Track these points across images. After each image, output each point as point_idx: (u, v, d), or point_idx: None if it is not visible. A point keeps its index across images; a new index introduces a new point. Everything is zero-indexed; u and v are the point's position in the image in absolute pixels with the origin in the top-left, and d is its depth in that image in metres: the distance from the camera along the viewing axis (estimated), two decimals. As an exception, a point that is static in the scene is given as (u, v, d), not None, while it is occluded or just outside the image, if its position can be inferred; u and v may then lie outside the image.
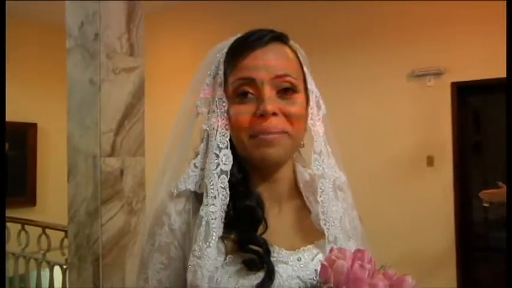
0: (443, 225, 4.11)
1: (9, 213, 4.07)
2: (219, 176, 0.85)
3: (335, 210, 0.91)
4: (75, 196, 2.26)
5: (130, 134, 2.29)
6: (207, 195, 0.84)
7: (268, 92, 0.84)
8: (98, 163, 2.17)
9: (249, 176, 0.89)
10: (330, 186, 0.92)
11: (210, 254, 0.81)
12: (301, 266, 0.85)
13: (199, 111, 0.91)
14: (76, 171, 2.25)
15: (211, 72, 0.92)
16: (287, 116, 0.85)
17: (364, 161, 4.32)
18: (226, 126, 0.87)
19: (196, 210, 0.87)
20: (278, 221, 0.90)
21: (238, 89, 0.86)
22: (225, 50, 0.91)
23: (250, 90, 0.85)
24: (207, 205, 0.83)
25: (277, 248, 0.85)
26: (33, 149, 6.06)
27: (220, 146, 0.86)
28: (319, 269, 0.76)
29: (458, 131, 4.15)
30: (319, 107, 0.94)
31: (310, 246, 0.89)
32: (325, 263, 0.74)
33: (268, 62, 0.86)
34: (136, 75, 2.32)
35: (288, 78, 0.86)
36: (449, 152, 4.14)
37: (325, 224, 0.88)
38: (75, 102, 2.27)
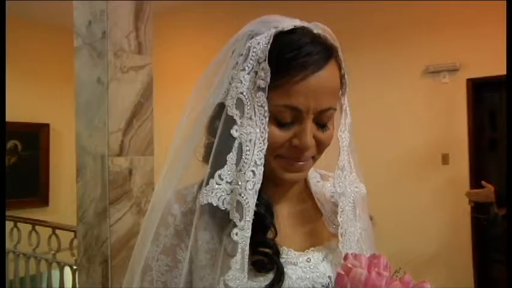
0: (459, 224, 4.07)
1: (21, 213, 4.14)
2: (253, 196, 0.77)
3: (353, 231, 0.88)
4: (83, 196, 2.26)
5: (139, 133, 2.28)
6: (242, 218, 0.76)
7: (310, 124, 0.78)
8: (106, 163, 2.16)
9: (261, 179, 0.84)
10: (351, 204, 0.88)
11: (245, 280, 0.76)
12: (311, 267, 0.83)
13: (230, 113, 0.79)
14: (84, 171, 2.25)
15: (246, 67, 0.79)
16: (318, 144, 0.81)
17: (378, 159, 4.28)
18: (265, 141, 0.78)
19: (208, 220, 0.81)
20: (288, 222, 0.87)
21: (280, 114, 0.78)
22: (263, 44, 0.79)
23: (292, 118, 0.78)
24: (242, 230, 0.76)
25: (285, 248, 0.82)
26: (46, 150, 6.10)
27: (258, 163, 0.78)
28: (334, 277, 0.74)
29: (474, 128, 4.08)
30: (346, 115, 0.88)
31: (320, 247, 0.86)
32: (341, 271, 0.71)
33: (319, 93, 0.78)
34: (145, 73, 2.32)
35: (330, 112, 0.81)
36: (464, 150, 4.09)
37: (343, 247, 0.85)
38: (83, 101, 2.26)
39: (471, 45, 4.03)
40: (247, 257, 0.76)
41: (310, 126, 0.78)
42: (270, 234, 0.81)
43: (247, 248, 0.76)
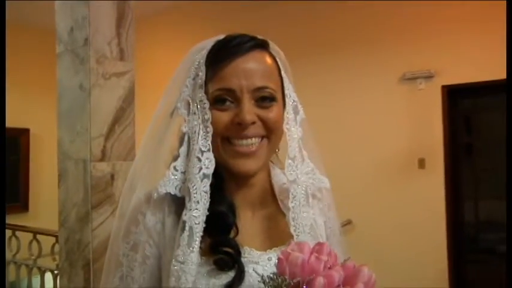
0: (435, 226, 4.13)
1: (1, 218, 4.08)
2: (201, 180, 0.85)
3: (305, 216, 0.92)
4: (65, 201, 2.26)
5: (120, 138, 2.29)
6: (189, 200, 0.84)
7: (247, 102, 0.86)
8: (88, 168, 2.17)
9: (223, 181, 0.90)
10: (302, 192, 0.93)
11: (194, 259, 0.83)
12: (272, 265, 0.87)
13: (180, 113, 0.91)
14: (66, 176, 2.26)
15: (191, 74, 0.91)
16: (264, 123, 0.88)
17: (356, 164, 4.37)
18: (208, 129, 0.87)
19: (172, 212, 0.89)
20: (251, 223, 0.93)
21: (217, 97, 0.87)
22: (205, 51, 0.91)
23: (229, 98, 0.86)
24: (190, 210, 0.84)
25: (248, 248, 0.88)
26: (26, 155, 6.05)
27: (203, 149, 0.86)
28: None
29: (449, 133, 4.17)
30: (296, 112, 0.95)
31: (281, 247, 0.91)
32: (281, 256, 0.76)
33: (248, 72, 0.86)
34: (127, 80, 2.33)
35: (267, 90, 0.88)
36: (440, 154, 4.16)
37: (294, 231, 0.89)
38: (65, 107, 2.27)
39: (446, 53, 4.12)
40: (196, 235, 0.83)
41: (248, 104, 0.86)
42: (232, 234, 0.87)
43: (195, 226, 0.83)
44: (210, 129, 0.86)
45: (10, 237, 3.60)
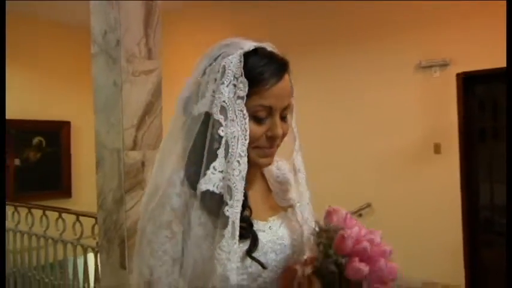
0: (451, 210, 4.19)
1: (47, 203, 4.40)
2: (240, 181, 0.99)
3: (307, 195, 1.17)
4: (103, 186, 2.45)
5: (150, 129, 2.44)
6: (231, 198, 0.97)
7: (278, 118, 1.05)
8: (121, 156, 2.34)
9: None
10: (304, 177, 1.16)
11: (235, 246, 0.97)
12: (273, 232, 1.10)
13: (216, 118, 0.98)
14: (103, 164, 2.44)
15: (225, 81, 0.98)
16: (283, 132, 1.08)
17: (373, 150, 4.49)
18: (246, 137, 0.99)
19: (193, 195, 1.04)
20: (253, 199, 1.12)
21: (256, 113, 1.01)
22: (236, 61, 0.99)
23: (265, 115, 1.03)
24: (232, 207, 0.97)
25: (255, 220, 1.08)
26: (68, 146, 6.37)
27: (242, 154, 0.99)
28: (324, 215, 1.06)
29: (464, 119, 4.21)
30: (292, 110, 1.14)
31: (275, 217, 1.14)
32: (330, 209, 1.03)
33: (282, 94, 1.03)
34: (154, 76, 2.48)
35: (289, 108, 1.08)
36: (455, 140, 4.21)
37: (299, 207, 1.14)
38: (101, 102, 2.46)
39: (460, 42, 4.15)
40: (237, 228, 0.97)
41: (278, 119, 1.05)
42: (247, 212, 1.06)
43: (237, 221, 0.99)
44: (248, 137, 0.99)
45: (57, 219, 3.94)
